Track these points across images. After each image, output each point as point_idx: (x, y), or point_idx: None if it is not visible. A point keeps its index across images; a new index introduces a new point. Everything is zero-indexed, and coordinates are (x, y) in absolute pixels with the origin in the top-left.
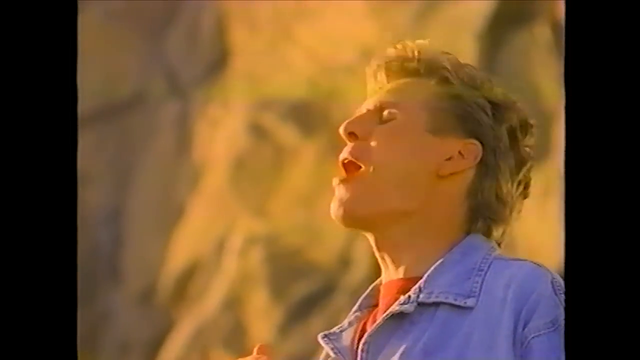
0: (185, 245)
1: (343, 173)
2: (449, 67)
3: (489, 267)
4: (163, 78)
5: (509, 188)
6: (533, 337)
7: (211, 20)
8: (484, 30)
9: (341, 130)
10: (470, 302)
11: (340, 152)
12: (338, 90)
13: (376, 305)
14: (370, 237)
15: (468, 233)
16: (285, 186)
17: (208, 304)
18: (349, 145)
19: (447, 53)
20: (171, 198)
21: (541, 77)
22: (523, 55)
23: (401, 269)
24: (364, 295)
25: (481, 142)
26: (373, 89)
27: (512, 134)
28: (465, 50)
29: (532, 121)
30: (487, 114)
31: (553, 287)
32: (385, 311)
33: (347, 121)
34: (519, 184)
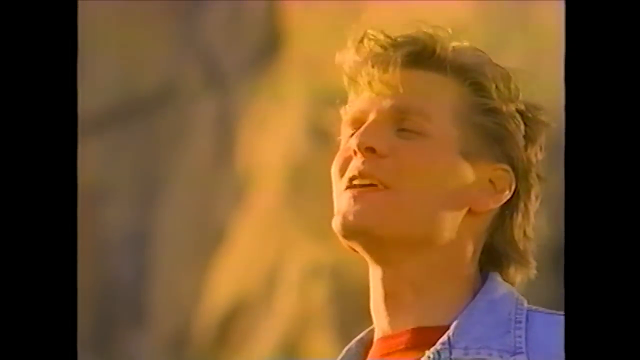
0: (227, 278)
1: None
2: (484, 71)
3: (526, 319)
4: (198, 66)
5: (534, 222)
6: None
7: None
8: None
9: (354, 144)
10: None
11: None
12: None
13: None
14: (377, 271)
15: (484, 275)
16: None
17: (257, 351)
18: (360, 159)
19: (479, 50)
20: (209, 218)
21: None
22: None
23: (410, 318)
24: (341, 357)
25: (512, 167)
26: (370, 78)
27: (540, 153)
28: None
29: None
30: (521, 132)
31: None
32: None
33: (361, 133)
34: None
